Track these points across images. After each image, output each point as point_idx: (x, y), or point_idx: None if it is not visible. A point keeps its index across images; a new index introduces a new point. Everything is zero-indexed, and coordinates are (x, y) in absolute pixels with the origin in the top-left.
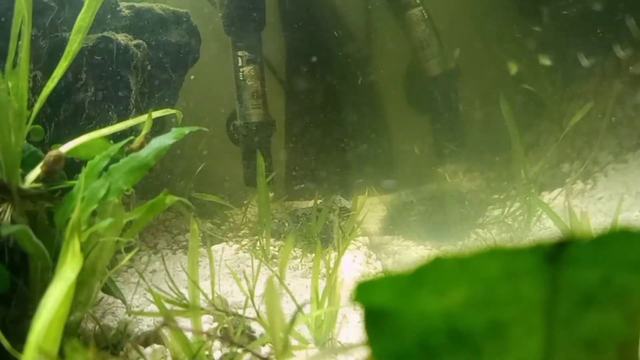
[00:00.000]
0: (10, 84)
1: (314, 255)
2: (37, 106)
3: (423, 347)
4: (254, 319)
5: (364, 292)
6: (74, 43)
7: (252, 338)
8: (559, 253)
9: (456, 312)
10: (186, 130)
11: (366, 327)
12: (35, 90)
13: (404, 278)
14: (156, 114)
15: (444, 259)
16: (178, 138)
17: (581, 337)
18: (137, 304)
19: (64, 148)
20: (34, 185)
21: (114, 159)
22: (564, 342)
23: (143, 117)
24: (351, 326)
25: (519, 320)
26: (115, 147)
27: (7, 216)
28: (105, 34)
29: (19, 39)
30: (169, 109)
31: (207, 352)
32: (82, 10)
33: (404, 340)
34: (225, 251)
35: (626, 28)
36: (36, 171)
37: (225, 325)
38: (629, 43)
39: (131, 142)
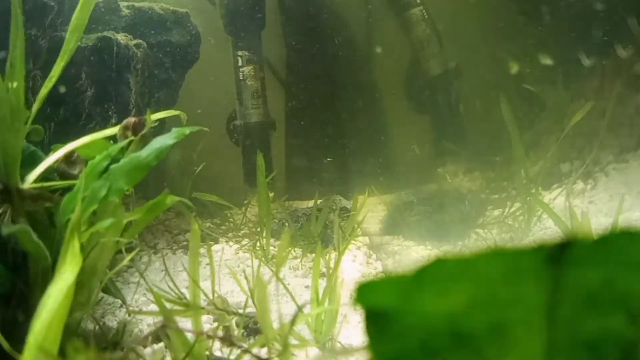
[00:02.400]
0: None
1: (314, 255)
2: (35, 105)
3: (425, 348)
4: (252, 318)
5: (365, 293)
6: (70, 42)
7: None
8: (561, 254)
9: (458, 314)
10: (187, 130)
11: (367, 329)
12: (34, 90)
13: (405, 279)
14: (158, 115)
15: (445, 260)
16: (179, 138)
17: (583, 338)
18: (137, 304)
19: (65, 149)
20: (34, 185)
21: (115, 159)
22: (566, 343)
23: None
24: (351, 326)
25: (521, 322)
26: (115, 148)
27: (7, 216)
28: (105, 33)
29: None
30: (171, 110)
31: (207, 353)
32: (77, 9)
33: (406, 342)
34: (225, 251)
35: (627, 27)
36: (36, 171)
37: (227, 324)
38: (630, 42)
39: (131, 142)
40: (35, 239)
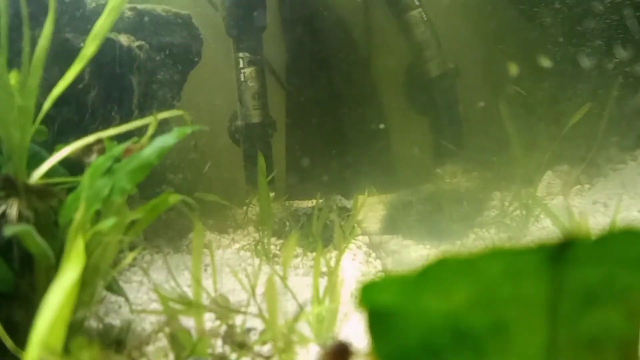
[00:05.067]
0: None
1: (314, 254)
2: (46, 105)
3: (427, 347)
4: (256, 316)
5: (368, 292)
6: (90, 47)
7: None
8: (561, 252)
9: (460, 312)
10: (188, 129)
11: (369, 328)
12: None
13: (407, 278)
14: (161, 115)
15: (447, 259)
16: (180, 137)
17: (583, 335)
18: (139, 302)
19: (68, 149)
20: (40, 181)
21: (118, 160)
22: (566, 341)
23: (148, 119)
24: (352, 324)
25: (522, 320)
26: (119, 148)
27: (14, 211)
28: (107, 35)
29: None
30: (175, 110)
31: (210, 351)
32: (102, 17)
33: (408, 341)
34: (226, 250)
35: (626, 28)
36: (42, 169)
37: (231, 322)
38: (629, 43)
39: (135, 143)
40: (38, 239)
